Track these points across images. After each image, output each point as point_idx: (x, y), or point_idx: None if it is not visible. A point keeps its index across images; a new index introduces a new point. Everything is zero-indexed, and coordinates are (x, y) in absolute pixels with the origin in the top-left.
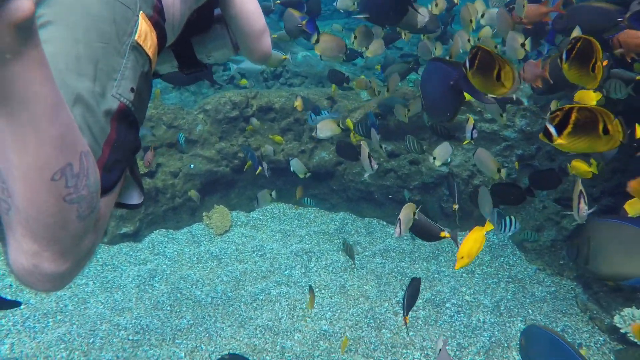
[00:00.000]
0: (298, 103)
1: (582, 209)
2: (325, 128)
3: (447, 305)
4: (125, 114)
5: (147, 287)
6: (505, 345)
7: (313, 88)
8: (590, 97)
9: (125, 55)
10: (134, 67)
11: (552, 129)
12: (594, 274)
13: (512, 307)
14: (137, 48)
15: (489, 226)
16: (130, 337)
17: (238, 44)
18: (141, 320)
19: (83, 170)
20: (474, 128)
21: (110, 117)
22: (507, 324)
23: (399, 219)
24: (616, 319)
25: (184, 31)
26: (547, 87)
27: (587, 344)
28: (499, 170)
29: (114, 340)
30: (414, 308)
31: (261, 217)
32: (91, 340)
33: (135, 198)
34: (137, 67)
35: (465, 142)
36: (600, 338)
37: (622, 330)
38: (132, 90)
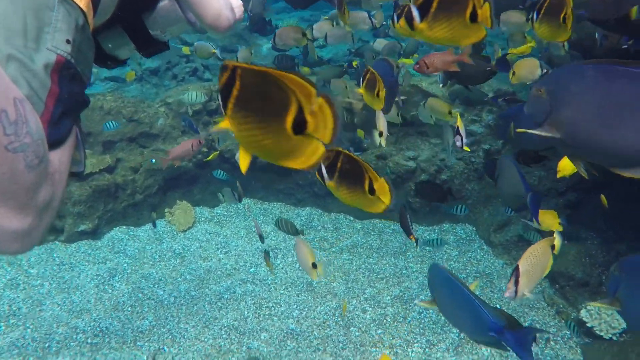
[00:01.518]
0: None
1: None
2: None
3: (416, 301)
4: (65, 66)
5: (106, 287)
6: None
7: None
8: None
9: (55, 8)
10: (66, 20)
11: (415, 12)
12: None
13: None
14: (66, 0)
15: None
16: (89, 341)
17: (190, 13)
18: (100, 322)
19: (20, 116)
20: (458, 133)
21: (50, 70)
22: None
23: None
24: (583, 313)
25: (130, 5)
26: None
27: (555, 337)
28: (450, 113)
29: (72, 344)
30: (382, 305)
31: (225, 213)
32: (47, 345)
33: (80, 166)
34: (70, 20)
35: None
36: (567, 332)
37: (588, 325)
38: (67, 42)
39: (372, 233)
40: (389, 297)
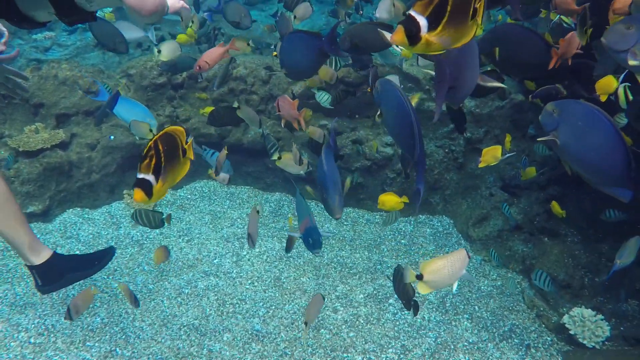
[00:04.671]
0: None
1: None
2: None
3: (390, 301)
4: None
5: None
6: (452, 347)
7: (251, 55)
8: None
9: None
10: None
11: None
12: None
13: (457, 304)
14: None
15: None
16: (32, 340)
17: None
18: (46, 320)
19: None
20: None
21: None
22: (454, 322)
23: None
24: (565, 319)
25: None
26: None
27: (535, 344)
28: None
29: (12, 344)
30: (355, 305)
31: (189, 196)
32: None
33: None
34: None
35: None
36: (548, 338)
37: (571, 332)
38: None
39: (345, 223)
40: (362, 296)
